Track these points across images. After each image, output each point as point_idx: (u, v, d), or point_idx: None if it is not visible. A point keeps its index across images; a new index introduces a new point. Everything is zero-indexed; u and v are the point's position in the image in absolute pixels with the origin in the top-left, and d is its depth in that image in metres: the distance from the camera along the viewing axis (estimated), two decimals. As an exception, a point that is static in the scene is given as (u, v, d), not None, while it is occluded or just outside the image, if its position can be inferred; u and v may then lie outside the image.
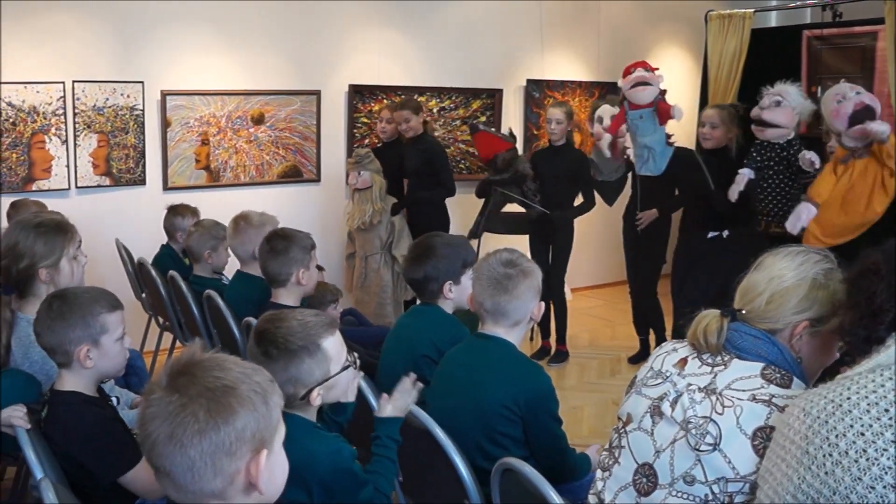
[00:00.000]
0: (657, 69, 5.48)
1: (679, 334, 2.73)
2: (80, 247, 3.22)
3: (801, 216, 4.66)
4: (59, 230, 3.10)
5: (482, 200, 6.35)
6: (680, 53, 8.85)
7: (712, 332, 2.02)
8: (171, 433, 1.38)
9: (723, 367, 1.99)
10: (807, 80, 7.08)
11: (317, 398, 2.22)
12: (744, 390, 1.92)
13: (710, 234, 5.43)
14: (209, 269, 4.93)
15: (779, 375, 1.94)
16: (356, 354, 2.38)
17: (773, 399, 1.88)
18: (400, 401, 2.53)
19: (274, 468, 1.48)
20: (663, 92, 5.51)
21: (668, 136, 5.57)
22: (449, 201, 6.28)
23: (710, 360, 2.03)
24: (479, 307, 2.72)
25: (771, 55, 7.19)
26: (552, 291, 6.00)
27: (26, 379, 2.68)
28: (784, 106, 4.94)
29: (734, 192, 5.09)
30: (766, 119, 4.97)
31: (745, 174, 5.08)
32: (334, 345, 2.26)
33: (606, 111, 6.04)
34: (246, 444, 1.42)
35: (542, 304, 2.77)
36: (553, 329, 6.38)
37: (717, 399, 1.93)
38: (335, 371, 2.25)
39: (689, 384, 2.00)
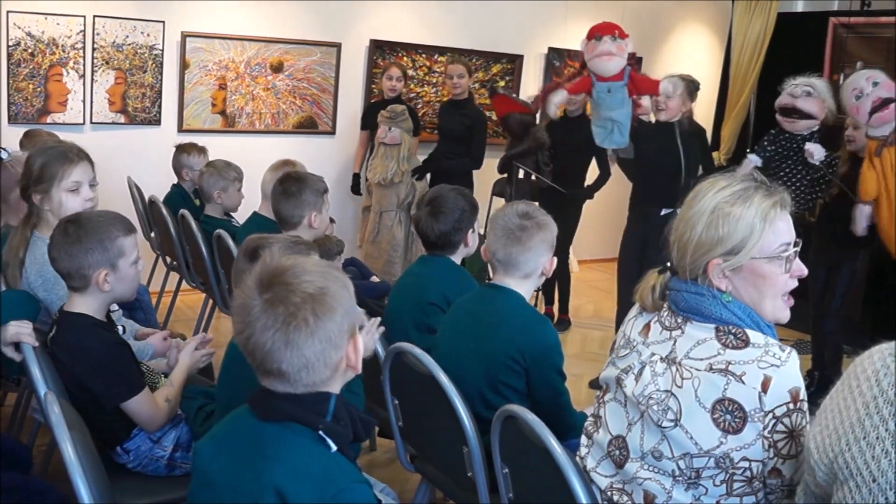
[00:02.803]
0: (627, 35, 4.96)
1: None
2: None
3: (858, 218, 4.62)
4: (81, 156, 3.12)
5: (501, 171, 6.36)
6: (704, 32, 8.76)
7: (647, 289, 2.04)
8: (287, 340, 1.54)
9: (679, 331, 1.94)
10: (829, 68, 7.02)
11: None
12: (701, 359, 1.87)
13: (664, 211, 5.05)
14: (220, 209, 4.94)
15: (732, 336, 1.86)
16: None
17: (729, 367, 1.82)
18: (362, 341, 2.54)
19: (361, 346, 1.67)
20: (634, 59, 5.14)
21: (638, 108, 5.17)
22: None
23: (667, 324, 1.98)
24: (491, 257, 2.71)
25: (795, 40, 7.13)
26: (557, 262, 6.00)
27: (25, 296, 2.67)
28: (815, 97, 4.82)
29: None
30: (800, 108, 4.79)
31: (751, 160, 4.92)
32: None
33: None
34: (345, 333, 1.61)
35: (555, 258, 2.76)
36: (557, 298, 6.41)
37: (678, 370, 1.89)
38: None
39: (653, 354, 1.97)
